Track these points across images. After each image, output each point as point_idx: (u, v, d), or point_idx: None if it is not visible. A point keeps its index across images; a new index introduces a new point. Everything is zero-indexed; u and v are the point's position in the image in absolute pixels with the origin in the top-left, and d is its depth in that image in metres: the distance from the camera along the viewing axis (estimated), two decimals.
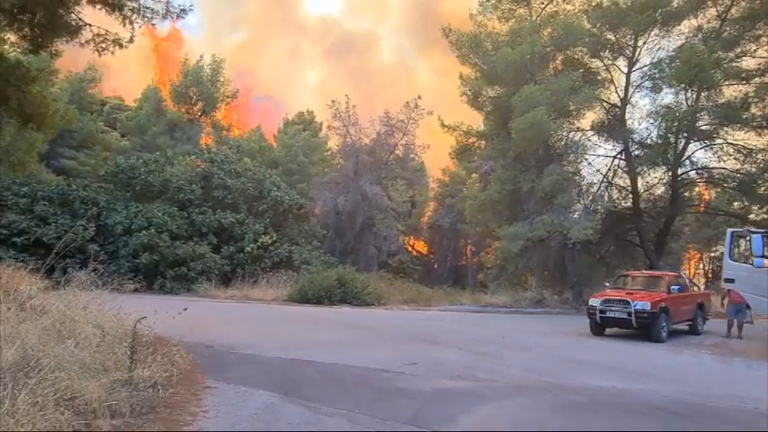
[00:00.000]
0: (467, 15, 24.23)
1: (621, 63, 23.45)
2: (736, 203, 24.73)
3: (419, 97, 30.44)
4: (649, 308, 12.23)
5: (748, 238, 10.83)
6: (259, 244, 24.00)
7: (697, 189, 27.06)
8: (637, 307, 12.29)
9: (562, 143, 22.20)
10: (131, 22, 9.61)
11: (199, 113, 38.10)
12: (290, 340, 10.57)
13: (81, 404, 4.53)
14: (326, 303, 18.99)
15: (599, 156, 24.03)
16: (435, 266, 44.02)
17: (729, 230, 12.10)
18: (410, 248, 43.17)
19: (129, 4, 9.37)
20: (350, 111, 31.36)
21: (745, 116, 20.83)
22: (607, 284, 14.81)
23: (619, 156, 23.73)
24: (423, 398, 6.54)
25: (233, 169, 25.63)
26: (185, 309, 8.11)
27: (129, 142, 35.65)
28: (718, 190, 24.39)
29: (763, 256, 10.49)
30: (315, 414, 5.61)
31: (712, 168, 22.53)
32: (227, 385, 6.60)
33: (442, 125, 24.67)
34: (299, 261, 24.23)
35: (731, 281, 11.64)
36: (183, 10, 9.97)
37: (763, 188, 21.24)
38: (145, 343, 6.98)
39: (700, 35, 21.46)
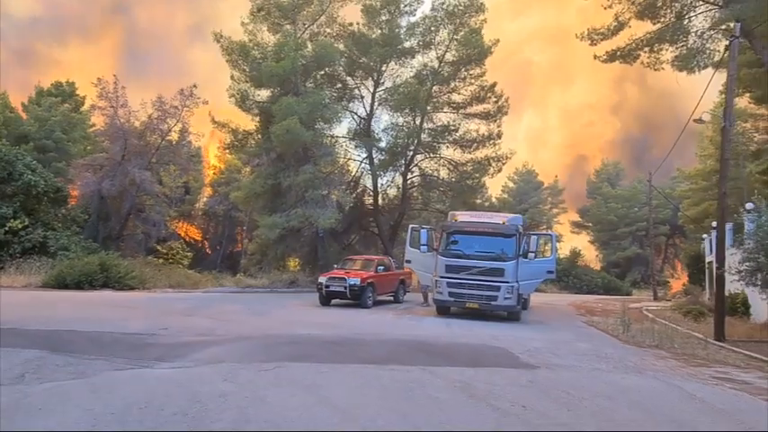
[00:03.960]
0: None
1: (370, 83, 28.32)
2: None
3: (194, 86, 31.15)
4: (359, 283, 16.47)
5: (419, 232, 15.65)
6: (7, 229, 22.69)
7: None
8: (350, 282, 16.43)
9: (318, 147, 25.99)
10: None
11: None
12: (51, 317, 11.78)
13: None
14: (87, 288, 19.37)
15: (348, 159, 28.73)
16: (209, 252, 44.90)
17: (410, 226, 16.96)
18: (183, 234, 43.20)
19: None
20: (119, 91, 30.68)
21: (452, 137, 27.41)
22: (336, 266, 18.86)
23: (364, 160, 28.68)
24: (167, 348, 8.95)
25: None
26: None
27: None
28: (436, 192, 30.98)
29: (426, 245, 15.37)
30: (78, 359, 7.62)
31: (430, 175, 28.85)
32: None
33: (213, 121, 26.51)
34: (56, 247, 23.58)
35: (409, 262, 16.49)
36: None
37: (463, 192, 28.14)
38: None
39: (425, 71, 27.33)
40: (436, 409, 5.56)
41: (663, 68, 18.16)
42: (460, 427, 5.03)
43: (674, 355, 10.17)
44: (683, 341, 11.70)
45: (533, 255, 14.65)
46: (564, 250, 50.28)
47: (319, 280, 17.23)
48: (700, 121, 18.68)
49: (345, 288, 16.44)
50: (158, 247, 33.15)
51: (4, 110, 36.36)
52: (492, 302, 14.51)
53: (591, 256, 57.58)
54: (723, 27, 16.62)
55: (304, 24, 26.43)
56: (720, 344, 11.58)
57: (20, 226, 23.19)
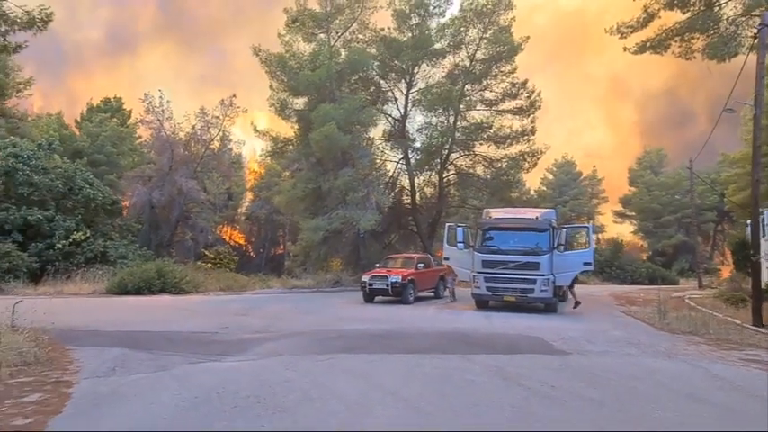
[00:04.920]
0: None
1: (403, 85, 29.03)
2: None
3: (234, 96, 32.66)
4: (400, 280, 17.25)
5: (455, 230, 16.30)
6: (71, 240, 24.50)
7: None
8: (392, 280, 17.24)
9: (355, 150, 26.88)
10: None
11: None
12: (123, 320, 13.00)
13: None
14: (146, 293, 20.78)
15: (385, 160, 29.54)
16: (253, 256, 46.58)
17: (446, 224, 17.62)
18: (228, 239, 45.01)
19: None
20: (164, 105, 32.42)
21: (486, 135, 27.84)
22: (377, 265, 19.69)
23: (401, 161, 29.42)
24: (230, 344, 9.94)
25: (40, 166, 25.39)
26: (20, 301, 10.13)
27: None
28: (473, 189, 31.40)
29: (462, 242, 16.00)
30: (157, 355, 8.67)
31: (466, 173, 29.34)
32: (84, 347, 9.21)
33: (255, 130, 27.81)
34: (115, 256, 25.29)
35: (447, 258, 17.15)
36: (45, 21, 11.55)
37: (499, 188, 28.53)
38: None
39: (457, 70, 27.83)
40: (471, 389, 6.27)
41: (695, 57, 18.16)
42: (491, 404, 5.72)
43: (707, 340, 10.51)
44: (718, 327, 11.95)
45: (563, 247, 15.10)
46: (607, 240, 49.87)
47: (362, 278, 18.15)
48: (730, 110, 18.53)
49: (387, 285, 17.29)
50: (206, 252, 34.75)
51: (60, 128, 38.74)
52: (528, 295, 15.03)
53: (636, 246, 56.61)
54: (756, 13, 16.54)
55: (337, 32, 27.35)
56: (756, 329, 11.80)
57: (82, 237, 25.00)
